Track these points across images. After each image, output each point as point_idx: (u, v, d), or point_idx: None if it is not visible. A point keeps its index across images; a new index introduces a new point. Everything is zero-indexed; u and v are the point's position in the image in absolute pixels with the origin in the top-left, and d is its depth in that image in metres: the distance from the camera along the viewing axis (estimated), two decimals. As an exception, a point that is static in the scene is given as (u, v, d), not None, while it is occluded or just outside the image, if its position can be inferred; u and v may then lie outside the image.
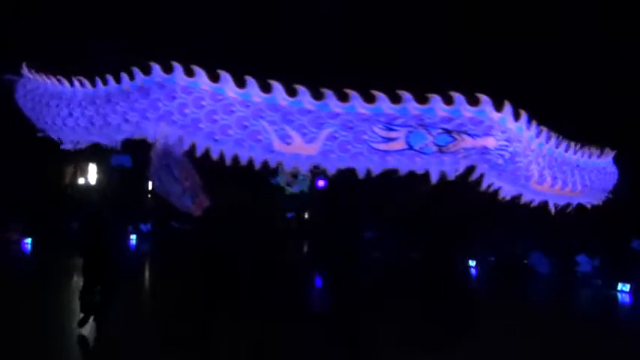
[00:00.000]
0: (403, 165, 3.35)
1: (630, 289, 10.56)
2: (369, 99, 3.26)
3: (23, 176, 16.91)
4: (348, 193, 11.76)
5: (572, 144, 3.70)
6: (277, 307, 7.36)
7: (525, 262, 12.52)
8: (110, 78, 3.57)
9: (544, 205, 3.67)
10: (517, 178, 3.45)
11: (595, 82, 11.20)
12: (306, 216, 17.28)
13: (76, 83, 3.69)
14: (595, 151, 4.02)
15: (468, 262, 13.17)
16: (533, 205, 3.72)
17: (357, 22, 11.33)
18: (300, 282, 9.93)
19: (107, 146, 3.87)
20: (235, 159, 3.35)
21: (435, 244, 12.26)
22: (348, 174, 3.41)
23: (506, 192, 3.54)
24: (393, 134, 3.24)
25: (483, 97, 3.27)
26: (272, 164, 3.38)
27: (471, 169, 3.38)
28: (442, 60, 11.22)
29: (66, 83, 3.75)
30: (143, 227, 16.94)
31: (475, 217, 10.98)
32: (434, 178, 3.37)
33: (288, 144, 3.26)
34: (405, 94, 3.24)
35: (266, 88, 3.24)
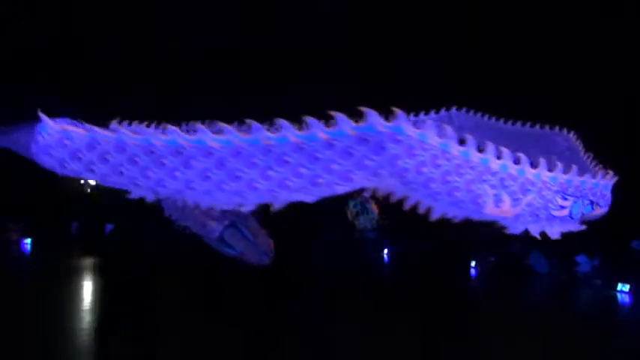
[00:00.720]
0: (557, 230, 3.65)
1: (630, 289, 10.56)
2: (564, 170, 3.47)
3: (23, 176, 16.90)
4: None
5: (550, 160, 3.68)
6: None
7: (525, 262, 12.54)
8: (286, 125, 2.86)
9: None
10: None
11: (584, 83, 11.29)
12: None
13: (231, 133, 2.91)
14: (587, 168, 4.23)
15: (469, 262, 13.17)
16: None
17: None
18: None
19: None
20: (443, 216, 3.28)
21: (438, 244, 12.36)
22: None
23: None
24: (565, 203, 3.48)
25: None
26: (475, 221, 3.43)
27: None
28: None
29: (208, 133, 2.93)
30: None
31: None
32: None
33: (498, 207, 3.30)
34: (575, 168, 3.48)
35: (479, 150, 3.20)
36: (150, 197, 3.27)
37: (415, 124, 3.01)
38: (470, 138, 3.17)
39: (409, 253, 13.12)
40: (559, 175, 3.43)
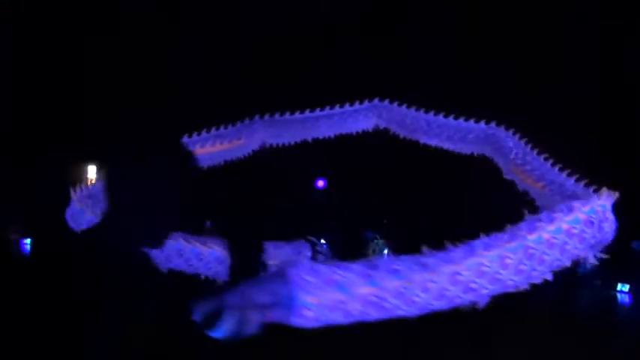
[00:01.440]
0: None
1: (629, 289, 10.58)
2: None
3: (23, 176, 16.90)
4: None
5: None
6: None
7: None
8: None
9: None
10: None
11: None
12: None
13: None
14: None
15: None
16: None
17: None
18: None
19: None
20: None
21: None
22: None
23: None
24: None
25: None
26: None
27: None
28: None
29: None
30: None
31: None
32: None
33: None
34: None
35: None
36: None
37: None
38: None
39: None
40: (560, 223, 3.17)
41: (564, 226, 3.03)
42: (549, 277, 3.01)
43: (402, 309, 2.23)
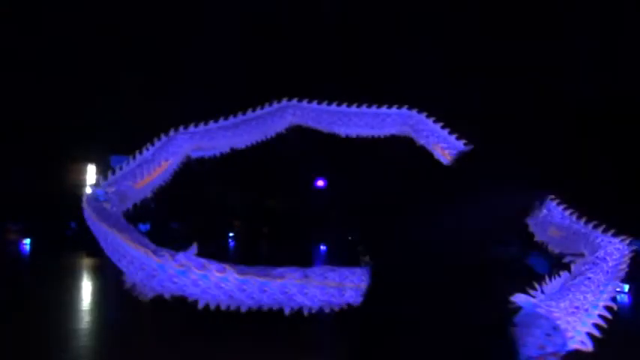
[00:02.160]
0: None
1: (629, 289, 10.58)
2: None
3: (23, 176, 16.87)
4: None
5: None
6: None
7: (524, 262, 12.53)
8: None
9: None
10: None
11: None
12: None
13: None
14: None
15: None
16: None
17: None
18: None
19: None
20: None
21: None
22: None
23: None
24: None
25: None
26: None
27: None
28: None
29: None
30: (142, 227, 16.96)
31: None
32: None
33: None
34: None
35: None
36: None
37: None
38: None
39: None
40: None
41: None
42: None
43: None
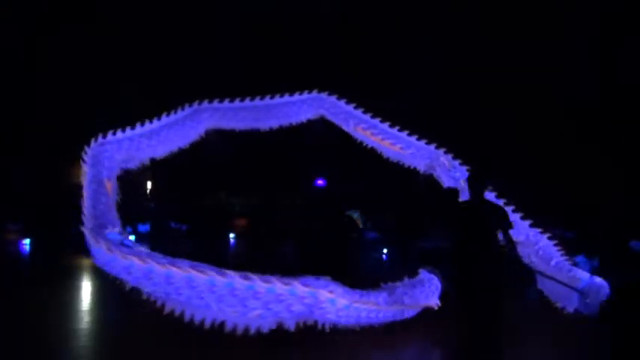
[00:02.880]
0: None
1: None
2: None
3: (23, 176, 16.87)
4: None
5: None
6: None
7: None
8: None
9: None
10: None
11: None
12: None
13: None
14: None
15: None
16: None
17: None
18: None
19: None
20: None
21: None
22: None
23: None
24: None
25: None
26: None
27: None
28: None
29: None
30: (142, 228, 16.94)
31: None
32: None
33: None
34: None
35: None
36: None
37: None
38: None
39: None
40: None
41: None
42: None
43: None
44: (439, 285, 6.23)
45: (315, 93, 6.53)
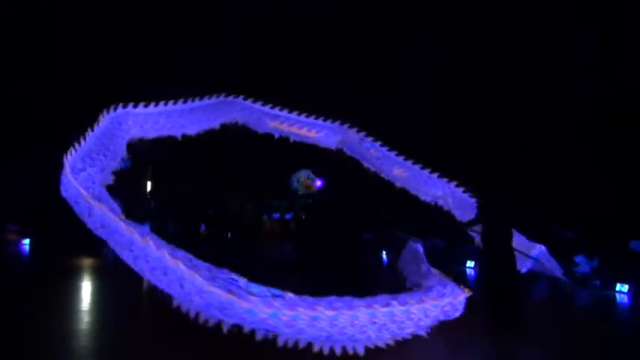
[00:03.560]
0: None
1: (629, 289, 10.58)
2: None
3: (23, 176, 16.86)
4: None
5: None
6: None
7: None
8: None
9: None
10: None
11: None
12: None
13: None
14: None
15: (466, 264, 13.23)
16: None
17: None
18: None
19: None
20: None
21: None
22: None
23: None
24: None
25: None
26: None
27: None
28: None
29: None
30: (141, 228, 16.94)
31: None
32: None
33: None
34: None
35: None
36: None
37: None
38: None
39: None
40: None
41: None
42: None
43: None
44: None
45: (228, 97, 6.63)
